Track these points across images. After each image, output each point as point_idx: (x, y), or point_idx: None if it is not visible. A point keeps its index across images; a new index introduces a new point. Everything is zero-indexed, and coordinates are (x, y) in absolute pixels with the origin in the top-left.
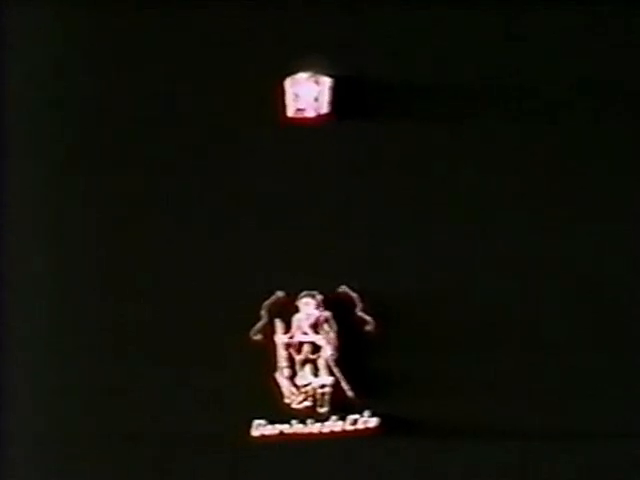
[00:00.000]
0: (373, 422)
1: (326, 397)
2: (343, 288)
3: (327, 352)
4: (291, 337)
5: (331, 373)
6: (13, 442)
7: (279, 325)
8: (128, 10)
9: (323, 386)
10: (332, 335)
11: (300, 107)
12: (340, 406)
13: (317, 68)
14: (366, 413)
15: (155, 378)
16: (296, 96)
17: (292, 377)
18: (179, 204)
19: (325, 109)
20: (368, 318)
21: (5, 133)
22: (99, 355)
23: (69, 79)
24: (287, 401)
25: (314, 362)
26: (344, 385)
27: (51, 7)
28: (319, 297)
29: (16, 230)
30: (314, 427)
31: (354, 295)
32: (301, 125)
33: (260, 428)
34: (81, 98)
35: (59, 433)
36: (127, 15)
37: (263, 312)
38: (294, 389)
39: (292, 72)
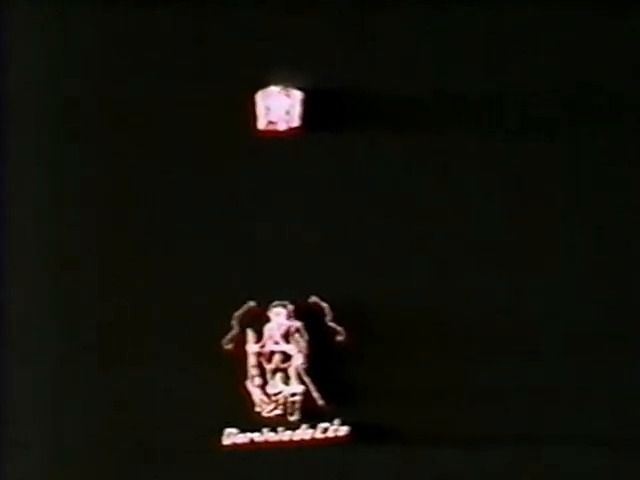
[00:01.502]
0: (343, 430)
1: (297, 405)
2: (314, 298)
3: (298, 361)
4: (262, 346)
5: (302, 382)
6: (12, 441)
7: (250, 335)
8: (128, 11)
9: (294, 394)
10: (303, 344)
11: (272, 120)
12: (310, 414)
13: (288, 81)
14: (336, 421)
15: (127, 387)
16: (267, 109)
17: (263, 386)
18: (152, 216)
19: (296, 122)
20: (339, 328)
21: (5, 133)
22: (71, 365)
23: (69, 79)
24: (258, 409)
25: (285, 371)
26: (314, 394)
27: (51, 7)
28: (290, 307)
29: (16, 230)
30: (285, 435)
31: (325, 305)
32: (272, 138)
33: (231, 436)
34: (81, 98)
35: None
36: (126, 16)
37: (234, 322)
38: (265, 398)
39: (263, 85)
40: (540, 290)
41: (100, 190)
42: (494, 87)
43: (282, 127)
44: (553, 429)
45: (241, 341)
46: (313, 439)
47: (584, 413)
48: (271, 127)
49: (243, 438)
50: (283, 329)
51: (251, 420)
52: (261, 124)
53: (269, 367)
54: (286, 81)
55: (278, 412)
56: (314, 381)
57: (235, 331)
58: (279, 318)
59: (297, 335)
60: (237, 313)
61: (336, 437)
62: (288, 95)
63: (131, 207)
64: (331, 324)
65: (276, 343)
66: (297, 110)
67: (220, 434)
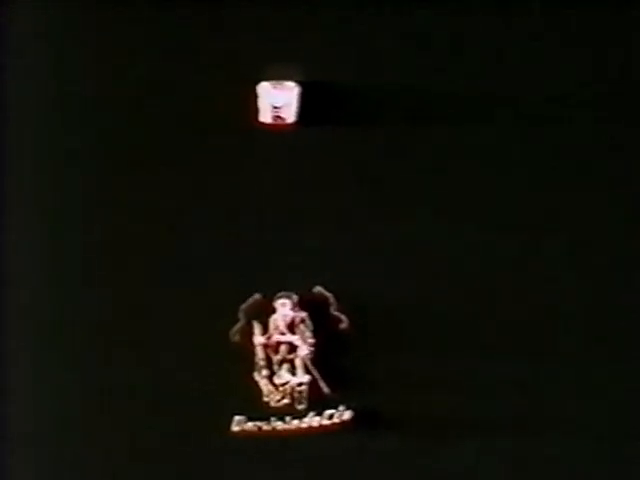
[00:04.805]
0: (347, 415)
1: (304, 395)
2: (318, 289)
3: (303, 352)
4: (268, 338)
5: (308, 372)
6: (13, 442)
7: (257, 326)
8: (128, 10)
9: (300, 384)
10: (308, 334)
11: (270, 113)
12: (317, 402)
13: (286, 75)
14: (341, 407)
15: (141, 378)
16: (266, 103)
17: (270, 376)
18: (160, 208)
19: (293, 116)
20: (342, 316)
21: (5, 133)
22: (83, 356)
23: (69, 79)
24: (266, 400)
25: (291, 362)
26: (321, 383)
27: (52, 7)
28: (295, 298)
29: (16, 230)
30: (292, 423)
31: (329, 295)
32: (271, 131)
33: (241, 424)
34: (82, 99)
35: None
36: (126, 15)
37: (241, 314)
38: (272, 388)
39: (262, 79)
40: (547, 282)
41: (99, 183)
42: (493, 83)
43: (280, 121)
44: (554, 418)
45: (248, 333)
46: (320, 426)
47: (588, 405)
48: (270, 120)
49: (251, 426)
50: (288, 320)
51: (259, 410)
52: (260, 117)
53: (276, 358)
54: (284, 74)
55: (286, 401)
56: (320, 370)
57: (242, 323)
58: (284, 309)
59: (302, 325)
60: (243, 306)
61: (342, 422)
62: (286, 89)
63: (132, 202)
64: (335, 313)
65: (282, 334)
66: (294, 104)
67: (229, 423)
